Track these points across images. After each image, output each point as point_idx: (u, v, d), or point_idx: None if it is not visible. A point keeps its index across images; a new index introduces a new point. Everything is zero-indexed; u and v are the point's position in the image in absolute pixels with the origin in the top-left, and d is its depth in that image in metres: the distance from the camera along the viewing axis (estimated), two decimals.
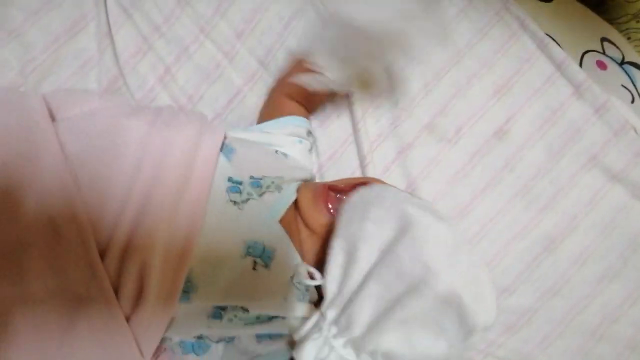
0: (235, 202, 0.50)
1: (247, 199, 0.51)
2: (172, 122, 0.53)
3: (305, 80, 0.60)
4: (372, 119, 0.69)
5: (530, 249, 0.68)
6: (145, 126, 0.51)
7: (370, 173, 0.67)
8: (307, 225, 0.55)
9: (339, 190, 0.56)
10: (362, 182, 0.56)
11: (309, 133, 0.66)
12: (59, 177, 0.46)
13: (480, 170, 0.69)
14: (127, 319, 0.46)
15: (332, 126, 0.69)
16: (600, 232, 0.68)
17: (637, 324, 0.67)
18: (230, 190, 0.51)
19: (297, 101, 0.66)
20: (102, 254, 0.45)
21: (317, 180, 0.68)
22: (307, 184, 0.59)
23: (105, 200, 0.46)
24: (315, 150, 0.69)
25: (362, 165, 0.68)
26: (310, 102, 0.67)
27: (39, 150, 0.47)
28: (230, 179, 0.51)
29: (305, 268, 0.51)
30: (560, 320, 0.67)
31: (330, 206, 0.54)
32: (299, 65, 0.62)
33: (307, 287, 0.51)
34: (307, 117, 0.67)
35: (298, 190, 0.57)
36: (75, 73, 0.67)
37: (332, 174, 0.69)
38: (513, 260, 0.68)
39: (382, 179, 0.67)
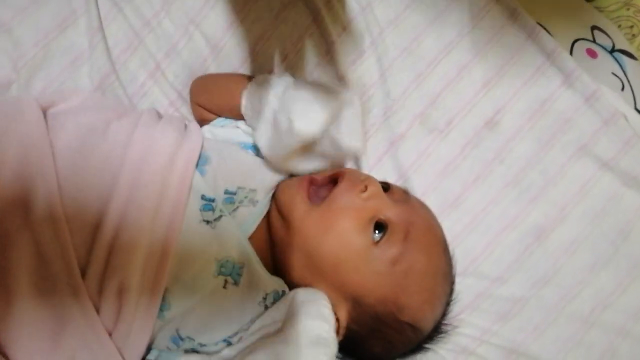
0: (208, 222, 0.51)
1: (220, 217, 0.52)
2: (150, 132, 0.53)
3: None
4: (365, 109, 0.68)
5: (521, 239, 0.69)
6: (127, 129, 0.52)
7: (363, 164, 0.68)
8: (283, 217, 0.55)
9: (317, 183, 0.56)
10: (335, 174, 0.57)
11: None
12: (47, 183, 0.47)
13: (471, 162, 0.69)
14: (110, 334, 0.48)
15: None
16: (590, 220, 0.68)
17: (628, 311, 0.67)
18: (203, 208, 0.52)
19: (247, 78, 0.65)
20: (83, 273, 0.47)
21: None
22: (286, 180, 0.60)
23: (84, 215, 0.48)
24: None
25: (355, 157, 0.68)
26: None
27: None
28: (203, 197, 0.52)
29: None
30: (552, 308, 0.68)
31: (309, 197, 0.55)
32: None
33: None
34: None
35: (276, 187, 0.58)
36: (66, 69, 0.67)
37: None
38: (504, 251, 0.69)
39: (374, 171, 0.68)
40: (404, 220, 0.54)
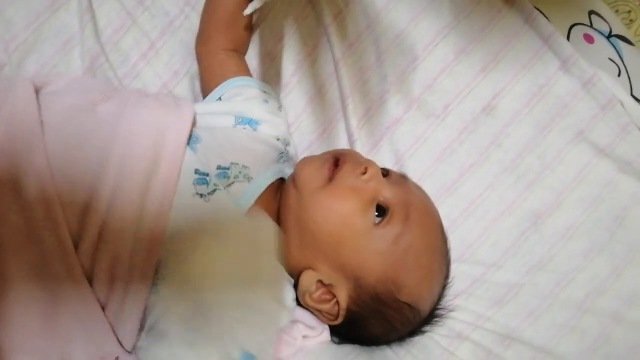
0: (201, 195, 0.51)
1: (214, 190, 0.52)
2: (139, 110, 0.53)
3: None
4: (361, 94, 0.68)
5: (517, 224, 0.68)
6: (115, 109, 0.52)
7: (359, 149, 0.67)
8: (299, 191, 0.56)
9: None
10: (336, 154, 0.58)
11: (265, 92, 0.65)
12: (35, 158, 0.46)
13: (467, 147, 0.69)
14: (103, 308, 0.47)
15: (320, 103, 0.69)
16: (586, 206, 0.68)
17: (623, 297, 0.67)
18: (197, 182, 0.51)
19: (226, 49, 0.65)
20: (75, 250, 0.46)
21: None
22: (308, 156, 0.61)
23: (76, 192, 0.47)
24: (283, 109, 0.68)
25: (351, 142, 0.67)
26: (240, 40, 0.67)
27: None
28: (197, 171, 0.52)
29: None
30: (547, 294, 0.68)
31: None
32: None
33: None
34: (248, 73, 0.67)
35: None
36: (58, 51, 0.66)
37: (322, 152, 0.68)
38: (500, 236, 0.68)
39: (370, 156, 0.68)
40: (403, 202, 0.56)
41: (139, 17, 0.67)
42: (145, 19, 0.67)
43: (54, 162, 0.47)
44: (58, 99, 0.53)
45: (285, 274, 0.54)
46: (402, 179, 0.61)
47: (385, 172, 0.59)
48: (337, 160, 0.57)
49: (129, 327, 0.49)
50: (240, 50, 0.69)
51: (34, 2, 0.65)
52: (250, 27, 0.69)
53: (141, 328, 0.49)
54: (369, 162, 0.58)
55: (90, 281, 0.47)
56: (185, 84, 0.69)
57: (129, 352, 0.50)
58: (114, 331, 0.48)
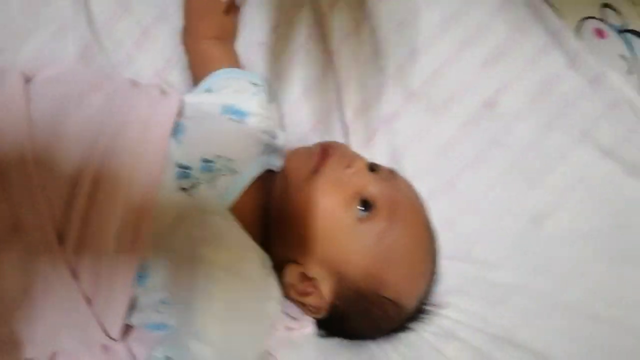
0: (184, 189, 0.51)
1: (197, 184, 0.51)
2: (125, 101, 0.53)
3: None
4: (357, 85, 0.66)
5: (516, 224, 0.67)
6: (102, 101, 0.52)
7: (354, 142, 0.66)
8: (287, 183, 0.55)
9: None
10: (324, 147, 0.57)
11: (255, 84, 0.64)
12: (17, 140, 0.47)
13: (467, 143, 0.67)
14: (90, 300, 0.48)
15: (314, 94, 0.67)
16: (588, 208, 0.66)
17: (621, 303, 0.65)
18: (179, 176, 0.51)
19: (216, 38, 0.65)
20: (60, 242, 0.47)
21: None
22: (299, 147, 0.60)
23: (59, 183, 0.47)
24: (276, 99, 0.68)
25: (345, 135, 0.66)
26: (223, 27, 0.66)
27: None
28: (180, 165, 0.52)
29: None
30: (543, 296, 0.66)
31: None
32: None
33: None
34: (238, 64, 0.66)
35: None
36: (53, 38, 0.65)
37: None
38: (499, 236, 0.67)
39: (366, 150, 0.66)
40: (389, 198, 0.55)
41: (133, 4, 0.66)
42: (139, 6, 0.66)
43: (40, 155, 0.47)
44: (47, 90, 0.53)
45: (269, 266, 0.54)
46: (391, 174, 0.60)
47: (374, 167, 0.58)
48: (326, 152, 0.57)
49: (115, 319, 0.50)
50: (225, 37, 0.67)
51: None
52: (233, 11, 0.67)
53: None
54: (356, 156, 0.57)
55: (76, 274, 0.47)
56: (178, 72, 0.68)
57: (115, 340, 0.51)
58: (100, 322, 0.49)
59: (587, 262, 0.66)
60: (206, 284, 0.48)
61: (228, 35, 0.68)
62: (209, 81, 0.63)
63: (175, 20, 0.67)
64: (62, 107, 0.51)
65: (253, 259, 0.52)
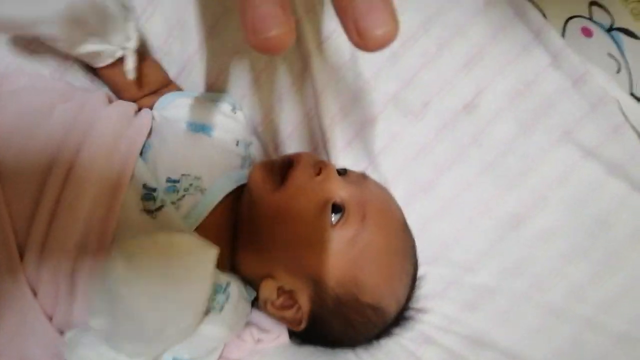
0: (148, 211, 0.50)
1: (160, 207, 0.50)
2: (95, 116, 0.52)
3: None
4: (334, 91, 0.65)
5: (495, 226, 0.67)
6: (71, 113, 0.51)
7: (331, 148, 0.66)
8: (251, 199, 0.54)
9: (271, 166, 0.56)
10: (290, 157, 0.56)
11: (211, 99, 0.63)
12: None
13: (445, 146, 0.66)
14: (50, 318, 0.48)
15: (292, 100, 0.66)
16: (568, 209, 0.65)
17: (600, 304, 0.66)
18: (144, 197, 0.50)
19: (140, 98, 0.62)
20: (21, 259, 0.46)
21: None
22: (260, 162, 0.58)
23: (23, 199, 0.47)
24: (241, 108, 0.66)
25: (323, 141, 0.65)
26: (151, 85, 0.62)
27: None
28: (144, 186, 0.50)
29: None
30: (523, 298, 0.67)
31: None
32: None
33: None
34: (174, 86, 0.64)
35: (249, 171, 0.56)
36: (29, 45, 0.62)
37: (293, 151, 0.67)
38: (476, 238, 0.67)
39: (343, 155, 0.66)
40: (360, 201, 0.54)
41: None
42: None
43: (3, 168, 0.47)
44: (15, 100, 0.52)
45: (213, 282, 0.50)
46: (361, 178, 0.59)
47: (342, 172, 0.58)
48: (290, 163, 0.56)
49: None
50: (158, 87, 0.63)
51: None
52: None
53: None
54: (323, 163, 0.56)
55: (36, 291, 0.47)
56: (167, 62, 0.65)
57: None
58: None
59: (566, 263, 0.66)
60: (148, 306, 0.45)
61: (160, 86, 0.64)
62: (161, 102, 0.61)
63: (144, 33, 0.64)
64: (29, 119, 0.50)
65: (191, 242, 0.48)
